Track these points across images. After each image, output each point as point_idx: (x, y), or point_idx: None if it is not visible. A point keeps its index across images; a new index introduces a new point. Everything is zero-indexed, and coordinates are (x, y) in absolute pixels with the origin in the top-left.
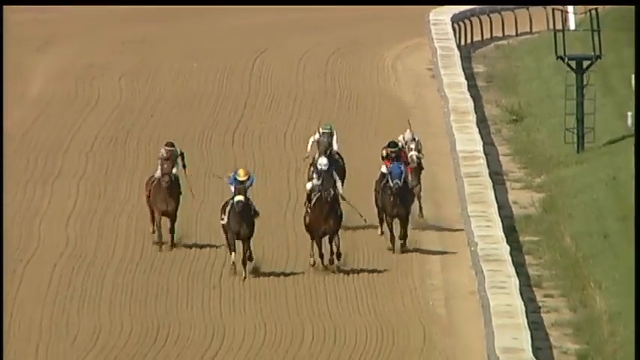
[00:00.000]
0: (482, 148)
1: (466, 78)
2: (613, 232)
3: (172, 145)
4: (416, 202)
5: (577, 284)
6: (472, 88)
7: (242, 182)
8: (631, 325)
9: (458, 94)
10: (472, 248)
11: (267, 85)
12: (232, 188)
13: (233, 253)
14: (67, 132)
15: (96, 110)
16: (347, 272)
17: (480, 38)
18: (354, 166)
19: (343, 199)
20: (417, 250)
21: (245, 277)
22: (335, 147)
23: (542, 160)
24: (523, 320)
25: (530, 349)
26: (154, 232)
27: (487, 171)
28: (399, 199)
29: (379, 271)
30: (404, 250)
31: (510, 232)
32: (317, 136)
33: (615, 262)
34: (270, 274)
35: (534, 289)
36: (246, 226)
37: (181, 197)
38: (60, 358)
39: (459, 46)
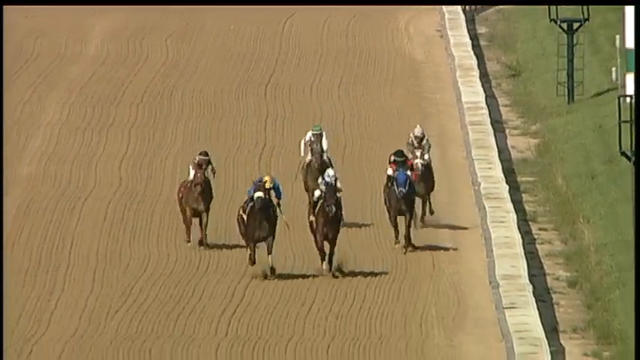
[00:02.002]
0: (484, 100)
1: (470, 38)
2: (599, 173)
3: (207, 154)
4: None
5: (568, 219)
6: (475, 47)
7: (269, 190)
8: (616, 255)
9: (463, 52)
10: (475, 187)
11: (296, 45)
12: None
13: (250, 250)
14: (120, 86)
15: (145, 67)
16: (360, 225)
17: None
18: (370, 115)
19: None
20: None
21: (266, 276)
22: (325, 147)
23: (537, 110)
24: (520, 250)
25: (527, 275)
26: (188, 241)
27: (489, 120)
28: (403, 204)
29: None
30: (406, 248)
31: (509, 173)
32: (308, 136)
33: (601, 199)
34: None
35: (530, 223)
36: (265, 224)
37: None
38: (114, 283)
39: (464, 10)
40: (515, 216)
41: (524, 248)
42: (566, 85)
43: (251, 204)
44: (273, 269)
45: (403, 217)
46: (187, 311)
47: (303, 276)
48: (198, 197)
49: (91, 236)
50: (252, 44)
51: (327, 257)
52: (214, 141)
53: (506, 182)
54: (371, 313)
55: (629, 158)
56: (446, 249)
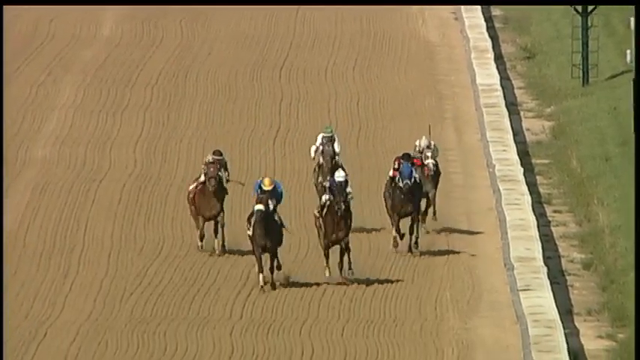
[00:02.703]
0: (499, 82)
1: (485, 20)
2: (614, 155)
3: (221, 154)
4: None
5: (582, 201)
6: (490, 29)
7: (265, 192)
8: (630, 238)
9: (478, 34)
10: (490, 170)
11: (310, 28)
12: (255, 197)
13: (259, 267)
14: (135, 68)
15: (160, 49)
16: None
17: None
18: (385, 97)
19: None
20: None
21: (267, 284)
22: (337, 150)
23: (551, 92)
24: (535, 233)
25: (542, 258)
26: (201, 247)
27: (503, 102)
28: (408, 198)
29: None
30: (415, 251)
31: (524, 155)
32: (319, 141)
33: (616, 182)
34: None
35: (545, 205)
36: (269, 236)
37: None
38: (128, 265)
39: None
40: (529, 198)
41: (538, 230)
42: (580, 67)
43: (253, 218)
44: (279, 269)
45: (409, 217)
46: (202, 293)
47: (318, 259)
48: (211, 200)
49: (106, 219)
50: (266, 27)
51: (338, 264)
52: (229, 123)
53: (521, 165)
54: (385, 296)
55: None
56: (460, 232)
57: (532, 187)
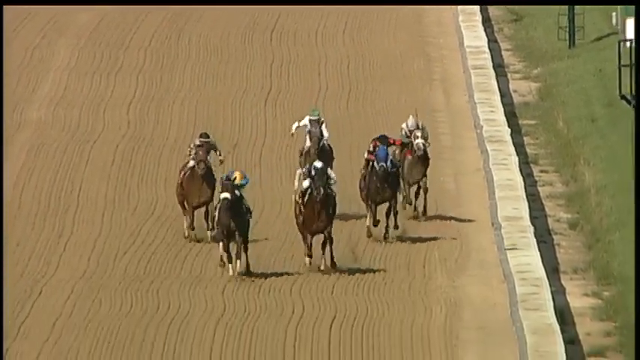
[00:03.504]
0: (486, 44)
1: None
2: (599, 116)
3: (207, 135)
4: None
5: (568, 161)
6: None
7: (235, 184)
8: (616, 197)
9: None
10: (478, 131)
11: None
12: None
13: (223, 252)
14: (128, 31)
15: (153, 12)
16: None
17: None
18: (374, 60)
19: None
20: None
21: (234, 274)
22: (325, 135)
23: (538, 54)
24: (522, 193)
25: (528, 217)
26: (188, 237)
27: (491, 64)
28: (385, 183)
29: None
30: (393, 235)
31: (511, 116)
32: (305, 121)
33: (601, 142)
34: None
35: (532, 165)
36: (236, 224)
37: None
38: (122, 225)
39: None
40: (517, 159)
41: (525, 190)
42: (567, 29)
43: (219, 205)
44: (247, 268)
45: (387, 203)
46: (194, 252)
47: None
48: (201, 186)
49: (100, 179)
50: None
51: (322, 253)
52: (221, 85)
53: (508, 125)
54: (375, 255)
55: (628, 102)
56: (449, 192)
57: (519, 147)
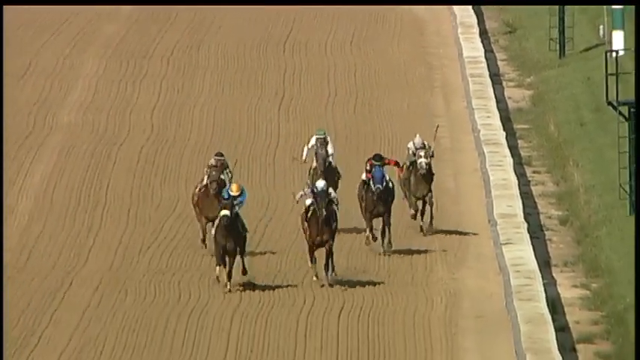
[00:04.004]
0: (483, 55)
1: None
2: (588, 121)
3: (222, 155)
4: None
5: (559, 163)
6: (475, 6)
7: (230, 197)
8: (603, 196)
9: (464, 11)
10: (475, 134)
11: (311, 6)
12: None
13: (218, 266)
14: (152, 41)
15: (175, 24)
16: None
17: None
18: (379, 68)
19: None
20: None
21: (229, 290)
22: (330, 151)
23: (531, 63)
24: (516, 191)
25: (522, 214)
26: (203, 240)
27: (487, 72)
28: (380, 200)
29: None
30: (388, 250)
31: (506, 121)
32: (312, 141)
33: (590, 145)
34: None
35: (525, 166)
36: (232, 241)
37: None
38: (146, 220)
39: None
40: (511, 160)
41: (519, 189)
42: (557, 41)
43: (217, 222)
44: (251, 283)
45: (381, 218)
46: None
47: None
48: (214, 202)
49: (126, 179)
50: (271, 5)
51: (324, 266)
52: (237, 91)
53: (504, 129)
54: (379, 249)
55: (615, 107)
56: (448, 191)
57: (513, 149)
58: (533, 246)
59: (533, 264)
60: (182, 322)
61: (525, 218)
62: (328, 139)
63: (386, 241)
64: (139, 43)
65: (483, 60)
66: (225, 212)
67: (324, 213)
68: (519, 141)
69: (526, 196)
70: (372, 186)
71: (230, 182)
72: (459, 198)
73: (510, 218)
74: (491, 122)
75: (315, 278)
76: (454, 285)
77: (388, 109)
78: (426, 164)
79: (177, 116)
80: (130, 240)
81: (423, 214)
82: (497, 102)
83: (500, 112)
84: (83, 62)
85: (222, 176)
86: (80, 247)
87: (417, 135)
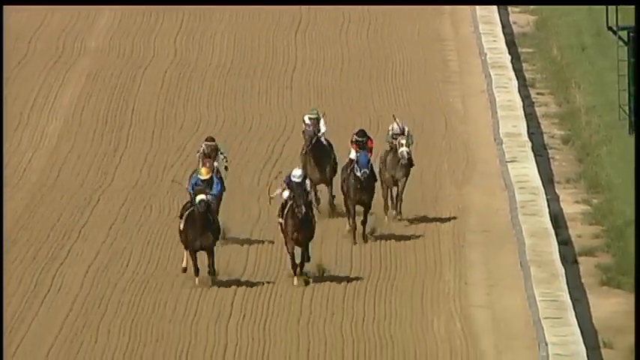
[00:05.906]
0: None
1: None
2: (589, 45)
3: (213, 139)
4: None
5: (561, 85)
6: None
7: (203, 181)
8: (603, 116)
9: None
10: (482, 57)
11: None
12: (192, 192)
13: (194, 268)
14: None
15: None
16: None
17: None
18: (389, 46)
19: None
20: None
21: (199, 284)
22: (322, 129)
23: None
24: (521, 112)
25: (526, 133)
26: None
27: None
28: (364, 187)
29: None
30: (366, 238)
31: (511, 45)
32: (304, 124)
33: (590, 68)
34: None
35: (529, 88)
36: (209, 232)
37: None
38: (169, 140)
39: None
40: (516, 82)
41: (524, 110)
42: None
43: (191, 209)
44: (214, 273)
45: (362, 205)
46: (234, 163)
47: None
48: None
49: (150, 100)
50: None
51: (298, 265)
52: (256, 18)
53: (509, 53)
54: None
55: (614, 32)
56: (457, 111)
57: (518, 72)
58: (537, 164)
59: (537, 181)
60: None
61: (529, 137)
62: (321, 117)
63: (368, 230)
64: None
65: None
66: (201, 196)
67: (304, 210)
68: (524, 64)
69: (530, 117)
70: (358, 171)
71: (226, 169)
72: (466, 118)
73: (515, 137)
74: (497, 46)
75: (295, 283)
76: (462, 201)
77: (400, 34)
78: (407, 153)
79: (199, 42)
80: (154, 159)
81: (396, 200)
82: (503, 27)
83: (505, 37)
84: None
85: (215, 163)
86: (107, 165)
87: (396, 119)
